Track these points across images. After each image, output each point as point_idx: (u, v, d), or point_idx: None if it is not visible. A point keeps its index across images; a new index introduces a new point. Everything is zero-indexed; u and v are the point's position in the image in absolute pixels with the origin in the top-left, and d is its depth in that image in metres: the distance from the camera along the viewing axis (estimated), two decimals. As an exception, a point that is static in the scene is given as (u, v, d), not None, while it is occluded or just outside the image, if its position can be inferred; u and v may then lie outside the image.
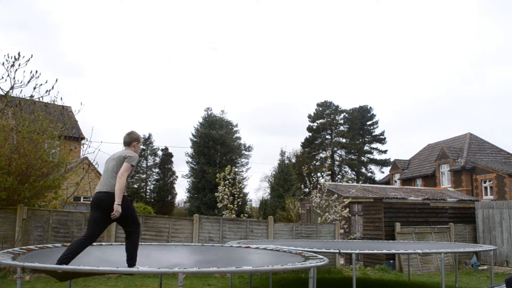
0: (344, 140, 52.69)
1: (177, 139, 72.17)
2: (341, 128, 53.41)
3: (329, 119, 53.04)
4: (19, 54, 11.43)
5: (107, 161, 5.26)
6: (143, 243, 9.70)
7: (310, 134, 53.00)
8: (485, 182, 25.98)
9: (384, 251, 9.61)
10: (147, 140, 38.12)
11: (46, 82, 12.18)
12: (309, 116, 53.78)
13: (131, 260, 5.34)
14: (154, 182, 37.91)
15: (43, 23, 71.86)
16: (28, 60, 11.53)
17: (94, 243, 8.09)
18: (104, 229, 5.53)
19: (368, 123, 53.59)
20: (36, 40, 70.32)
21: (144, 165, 38.12)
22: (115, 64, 79.64)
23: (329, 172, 40.08)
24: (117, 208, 4.99)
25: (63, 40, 72.11)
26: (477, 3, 70.91)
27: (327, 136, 52.91)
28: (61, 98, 14.44)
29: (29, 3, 71.52)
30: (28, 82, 11.65)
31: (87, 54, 69.37)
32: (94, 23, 71.68)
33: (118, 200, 4.94)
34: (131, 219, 5.42)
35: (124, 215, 5.18)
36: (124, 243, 5.51)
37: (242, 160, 38.77)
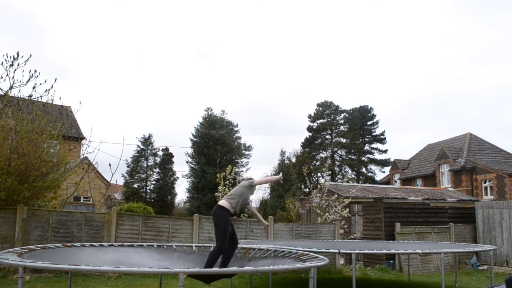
0: (344, 140, 52.66)
1: (177, 139, 72.24)
2: (341, 128, 53.38)
3: (329, 119, 53.02)
4: (18, 54, 11.44)
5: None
6: (143, 243, 9.71)
7: (310, 134, 52.98)
8: (485, 182, 25.97)
9: (384, 251, 9.60)
10: (147, 140, 38.05)
11: (45, 82, 12.20)
12: (309, 116, 53.77)
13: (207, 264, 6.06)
14: (154, 182, 37.84)
15: (28, 25, 71.84)
16: (27, 59, 11.53)
17: (95, 243, 8.10)
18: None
19: (368, 123, 53.58)
20: (21, 42, 70.27)
21: (144, 165, 38.06)
22: (115, 64, 79.69)
23: (329, 172, 40.07)
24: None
25: (59, 41, 72.13)
26: (477, 1, 70.95)
27: (327, 136, 52.88)
28: (60, 98, 14.45)
29: (14, 3, 71.48)
30: (27, 81, 11.65)
31: (86, 55, 69.37)
32: (92, 23, 71.71)
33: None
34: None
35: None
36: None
37: (242, 160, 38.73)
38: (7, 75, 11.51)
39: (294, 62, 79.38)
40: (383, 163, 51.69)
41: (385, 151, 52.88)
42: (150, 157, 38.28)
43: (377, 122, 53.61)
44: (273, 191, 35.45)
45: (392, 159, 41.68)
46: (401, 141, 71.58)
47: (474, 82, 72.19)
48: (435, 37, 71.31)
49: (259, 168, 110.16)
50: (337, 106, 53.76)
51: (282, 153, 39.05)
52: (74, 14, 69.36)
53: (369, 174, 51.83)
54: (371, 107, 53.86)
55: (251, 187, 6.55)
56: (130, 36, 75.41)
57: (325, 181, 18.12)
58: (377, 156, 52.98)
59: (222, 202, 6.26)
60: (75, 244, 7.60)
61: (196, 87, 78.26)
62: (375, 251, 8.62)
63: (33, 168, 10.32)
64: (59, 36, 75.29)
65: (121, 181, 36.96)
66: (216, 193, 16.23)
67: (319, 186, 17.29)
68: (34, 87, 11.71)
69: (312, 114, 53.71)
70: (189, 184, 37.15)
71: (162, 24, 77.14)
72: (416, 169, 32.27)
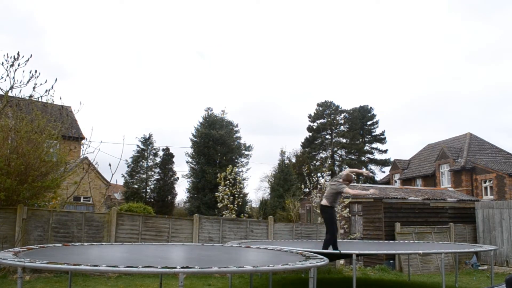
0: (344, 140, 52.67)
1: (177, 139, 72.26)
2: (341, 128, 53.38)
3: (329, 119, 53.01)
4: (18, 54, 11.42)
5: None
6: (143, 243, 9.71)
7: (310, 134, 52.98)
8: (485, 182, 25.96)
9: (384, 251, 9.60)
10: (147, 140, 38.05)
11: (45, 82, 12.20)
12: (309, 116, 53.77)
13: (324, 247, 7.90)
14: (154, 182, 37.82)
15: (27, 24, 71.81)
16: (28, 60, 11.50)
17: (95, 243, 8.10)
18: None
19: (368, 123, 53.57)
20: (21, 42, 70.27)
21: (145, 165, 38.05)
22: (115, 64, 79.70)
23: (329, 172, 39.97)
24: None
25: (59, 41, 72.12)
26: (476, 1, 70.95)
27: (327, 136, 52.89)
28: (60, 98, 14.44)
29: (13, 3, 71.44)
30: (28, 82, 11.64)
31: (86, 55, 69.38)
32: (92, 23, 71.72)
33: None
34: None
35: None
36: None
37: (242, 160, 38.74)
38: (7, 75, 11.50)
39: (294, 62, 79.42)
40: (383, 163, 51.69)
41: (385, 151, 52.93)
42: (150, 157, 38.28)
43: (377, 122, 53.64)
44: (273, 191, 35.46)
45: (392, 159, 41.67)
46: (401, 141, 71.62)
47: (474, 82, 72.22)
48: (435, 37, 71.33)
49: (259, 168, 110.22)
50: (337, 106, 53.75)
51: (282, 153, 39.03)
52: (74, 14, 69.37)
53: (369, 174, 51.81)
54: (371, 107, 53.88)
55: (339, 193, 7.96)
56: (130, 36, 75.43)
57: (325, 181, 18.10)
58: (377, 156, 53.04)
59: (324, 202, 7.88)
60: (75, 244, 7.61)
61: (196, 87, 78.31)
62: (375, 251, 8.61)
63: (33, 168, 10.31)
64: (58, 36, 75.34)
65: (121, 181, 36.98)
66: (216, 193, 16.23)
67: (319, 186, 17.29)
68: (34, 87, 11.71)
69: (312, 114, 53.72)
70: (189, 184, 37.19)
71: (162, 24, 77.17)
72: (416, 169, 32.26)
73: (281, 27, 76.20)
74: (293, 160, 45.27)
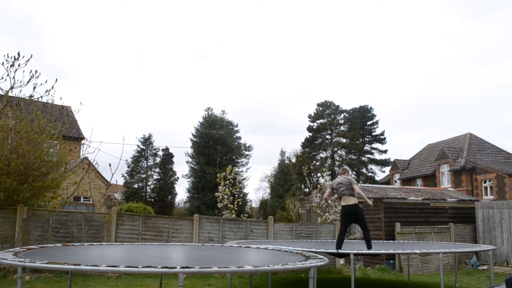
0: (344, 140, 52.69)
1: (177, 139, 72.28)
2: (341, 128, 53.40)
3: (329, 119, 53.03)
4: (18, 54, 11.44)
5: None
6: (143, 243, 9.72)
7: (310, 134, 53.00)
8: (485, 182, 25.96)
9: (383, 251, 9.59)
10: (147, 140, 38.08)
11: (46, 82, 12.20)
12: (309, 116, 53.79)
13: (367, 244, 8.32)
14: (154, 182, 37.85)
15: (27, 25, 71.81)
16: (28, 60, 11.53)
17: (95, 243, 8.11)
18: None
19: (368, 123, 53.58)
20: (21, 42, 70.25)
21: (144, 165, 38.08)
22: (115, 64, 79.72)
23: (329, 172, 40.01)
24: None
25: (59, 41, 72.12)
26: (476, 1, 70.94)
27: (327, 136, 52.91)
28: (61, 98, 14.45)
29: (13, 3, 71.44)
30: (28, 82, 11.66)
31: (86, 55, 69.38)
32: (92, 24, 71.74)
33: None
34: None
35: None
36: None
37: (242, 160, 38.78)
38: (7, 75, 11.51)
39: (294, 62, 79.42)
40: (383, 163, 51.69)
41: (385, 151, 52.94)
42: (150, 157, 38.31)
43: (377, 122, 53.65)
44: (273, 191, 35.49)
45: (392, 159, 41.68)
46: (401, 141, 71.65)
47: (474, 82, 72.21)
48: (435, 37, 71.32)
49: (259, 168, 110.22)
50: (337, 106, 53.78)
51: (282, 153, 39.09)
52: (74, 14, 69.38)
53: (369, 174, 51.82)
54: (371, 107, 53.90)
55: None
56: (130, 36, 75.43)
57: (325, 181, 18.12)
58: (377, 156, 53.05)
59: (354, 200, 7.96)
60: (75, 244, 7.61)
61: (196, 87, 78.34)
62: (373, 251, 8.61)
63: (33, 168, 10.32)
64: (58, 36, 75.35)
65: (121, 181, 37.04)
66: (216, 193, 16.24)
67: (319, 186, 17.31)
68: (34, 88, 11.72)
69: (312, 114, 53.74)
70: (189, 184, 37.22)
71: (162, 25, 77.17)
72: (416, 169, 32.26)
73: (281, 27, 76.23)
74: (293, 160, 45.32)
